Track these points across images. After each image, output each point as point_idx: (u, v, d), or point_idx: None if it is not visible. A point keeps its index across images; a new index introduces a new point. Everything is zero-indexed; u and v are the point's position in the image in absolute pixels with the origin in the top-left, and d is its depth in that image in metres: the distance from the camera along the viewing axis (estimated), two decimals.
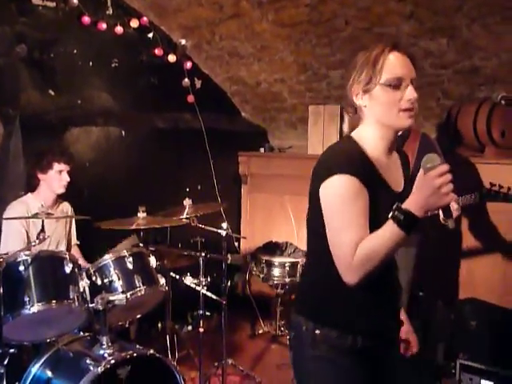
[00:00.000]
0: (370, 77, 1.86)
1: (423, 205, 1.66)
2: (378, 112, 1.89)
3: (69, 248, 3.92)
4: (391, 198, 1.85)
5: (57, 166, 3.67)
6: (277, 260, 4.74)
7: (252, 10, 4.45)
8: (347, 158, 1.84)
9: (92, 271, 3.20)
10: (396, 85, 1.84)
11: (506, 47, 3.81)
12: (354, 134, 1.97)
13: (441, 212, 1.75)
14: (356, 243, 1.73)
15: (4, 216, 3.56)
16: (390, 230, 1.70)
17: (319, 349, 1.91)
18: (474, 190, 3.46)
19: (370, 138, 1.93)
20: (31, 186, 3.74)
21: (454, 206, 3.19)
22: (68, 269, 3.05)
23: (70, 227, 3.99)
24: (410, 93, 1.84)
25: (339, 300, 1.92)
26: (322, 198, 1.84)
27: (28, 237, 3.52)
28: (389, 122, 1.89)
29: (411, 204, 1.68)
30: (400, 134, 2.93)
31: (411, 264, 3.74)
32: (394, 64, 1.85)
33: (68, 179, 3.71)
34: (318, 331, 1.91)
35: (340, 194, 1.79)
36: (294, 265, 4.68)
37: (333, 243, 1.81)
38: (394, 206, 1.70)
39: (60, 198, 3.86)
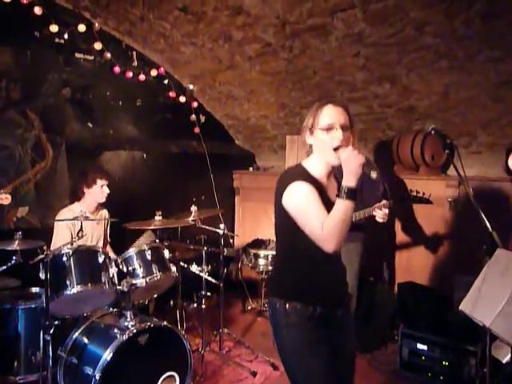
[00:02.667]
0: (312, 123, 2.00)
1: (351, 174, 1.84)
2: (318, 149, 2.02)
3: (105, 244, 3.86)
4: (329, 204, 1.92)
5: (99, 182, 3.63)
6: (262, 252, 4.71)
7: (243, 63, 4.44)
8: (299, 174, 1.99)
9: (119, 261, 3.17)
10: (327, 129, 1.96)
11: (435, 91, 3.82)
12: (303, 163, 2.07)
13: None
14: (322, 222, 1.82)
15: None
16: (341, 205, 1.83)
17: (290, 318, 1.99)
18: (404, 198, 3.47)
19: (315, 165, 2.04)
20: (77, 196, 3.66)
21: (385, 211, 3.07)
22: (101, 259, 3.02)
23: (107, 228, 3.93)
24: (336, 134, 1.94)
25: (302, 282, 2.03)
26: (286, 203, 1.95)
27: (72, 235, 3.45)
28: (323, 158, 2.01)
29: (345, 181, 1.85)
30: None
31: (358, 256, 3.73)
32: (326, 115, 1.97)
33: (108, 191, 3.67)
34: (287, 305, 1.99)
35: (300, 194, 1.91)
36: (274, 256, 4.64)
37: (308, 230, 1.89)
38: (337, 190, 1.87)
39: (100, 206, 3.80)
